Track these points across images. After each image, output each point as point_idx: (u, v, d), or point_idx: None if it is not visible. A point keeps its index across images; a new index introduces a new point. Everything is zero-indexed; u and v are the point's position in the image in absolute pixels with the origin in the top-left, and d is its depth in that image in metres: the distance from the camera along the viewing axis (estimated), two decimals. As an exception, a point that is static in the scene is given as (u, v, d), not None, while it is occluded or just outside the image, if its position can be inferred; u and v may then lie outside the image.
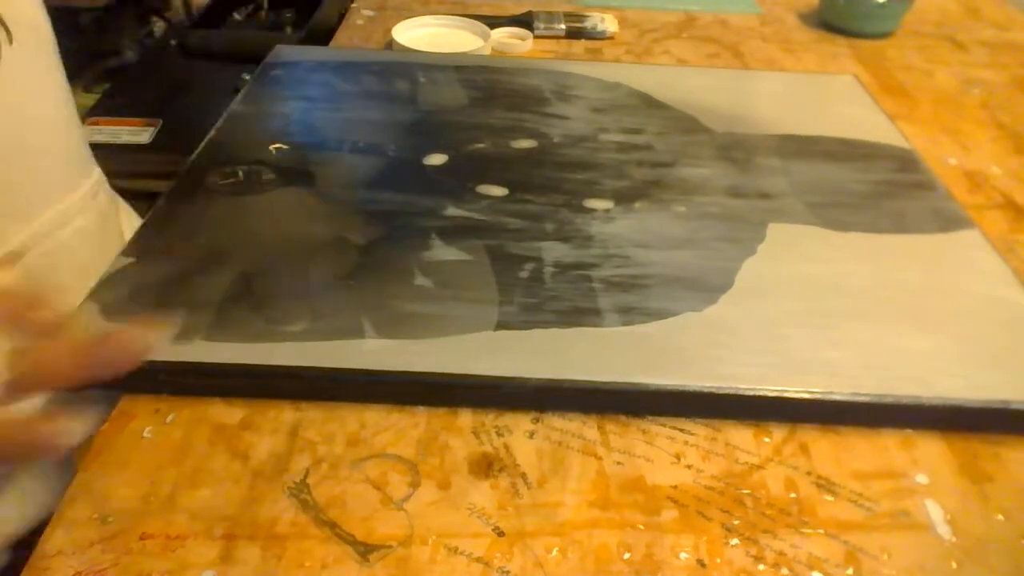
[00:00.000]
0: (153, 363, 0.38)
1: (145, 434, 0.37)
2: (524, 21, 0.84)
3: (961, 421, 0.40)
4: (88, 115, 0.93)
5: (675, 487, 0.36)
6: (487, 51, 0.79)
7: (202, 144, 0.56)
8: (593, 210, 0.52)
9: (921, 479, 0.37)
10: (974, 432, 0.40)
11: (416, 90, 0.66)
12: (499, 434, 0.38)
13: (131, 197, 0.64)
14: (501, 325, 0.42)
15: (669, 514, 0.35)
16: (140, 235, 0.48)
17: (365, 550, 0.33)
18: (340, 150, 0.57)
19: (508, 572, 0.32)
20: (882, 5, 0.87)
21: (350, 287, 0.44)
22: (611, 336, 0.42)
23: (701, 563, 0.33)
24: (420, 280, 0.45)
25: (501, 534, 0.34)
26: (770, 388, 0.39)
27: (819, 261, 0.48)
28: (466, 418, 0.39)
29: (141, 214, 0.50)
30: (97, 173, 0.55)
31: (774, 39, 0.87)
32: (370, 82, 0.67)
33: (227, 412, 0.39)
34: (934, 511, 0.36)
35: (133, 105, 0.96)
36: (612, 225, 0.50)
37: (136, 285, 0.43)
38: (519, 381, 0.39)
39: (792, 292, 0.45)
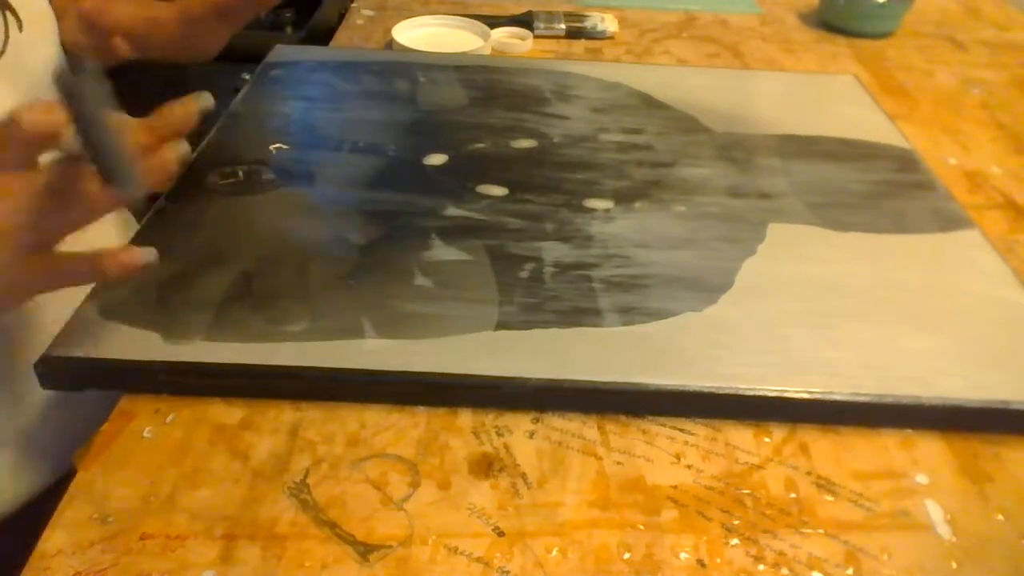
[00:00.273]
0: (153, 363, 0.38)
1: (145, 434, 0.37)
2: (524, 21, 0.84)
3: (961, 421, 0.40)
4: (88, 115, 0.93)
5: (675, 487, 0.36)
6: (487, 51, 0.79)
7: (202, 144, 0.56)
8: (593, 210, 0.52)
9: (921, 479, 0.37)
10: (974, 432, 0.40)
11: (416, 90, 0.66)
12: (499, 434, 0.38)
13: (131, 197, 0.64)
14: (501, 325, 0.42)
15: (669, 514, 0.35)
16: (140, 235, 0.48)
17: (365, 550, 0.33)
18: (340, 150, 0.57)
19: (508, 572, 0.32)
20: (882, 5, 0.87)
21: (350, 287, 0.44)
22: (611, 336, 0.42)
23: (701, 563, 0.33)
24: (420, 280, 0.45)
25: (501, 534, 0.34)
26: (770, 388, 0.39)
27: (819, 261, 0.48)
28: (466, 418, 0.39)
29: (141, 214, 0.50)
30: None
31: (774, 39, 0.87)
32: (370, 82, 0.67)
33: (227, 412, 0.39)
34: (934, 511, 0.36)
35: (133, 105, 0.96)
36: (612, 225, 0.50)
37: (136, 285, 0.43)
38: (519, 381, 0.39)
39: (792, 292, 0.45)
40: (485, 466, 0.37)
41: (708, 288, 0.45)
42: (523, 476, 0.36)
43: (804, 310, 0.44)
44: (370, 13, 0.88)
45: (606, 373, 0.39)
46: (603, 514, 0.35)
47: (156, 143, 0.40)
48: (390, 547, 0.33)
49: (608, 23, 0.84)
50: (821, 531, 0.35)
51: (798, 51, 0.84)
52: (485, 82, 0.67)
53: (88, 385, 0.39)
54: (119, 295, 0.42)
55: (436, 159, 0.57)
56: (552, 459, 0.37)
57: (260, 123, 0.60)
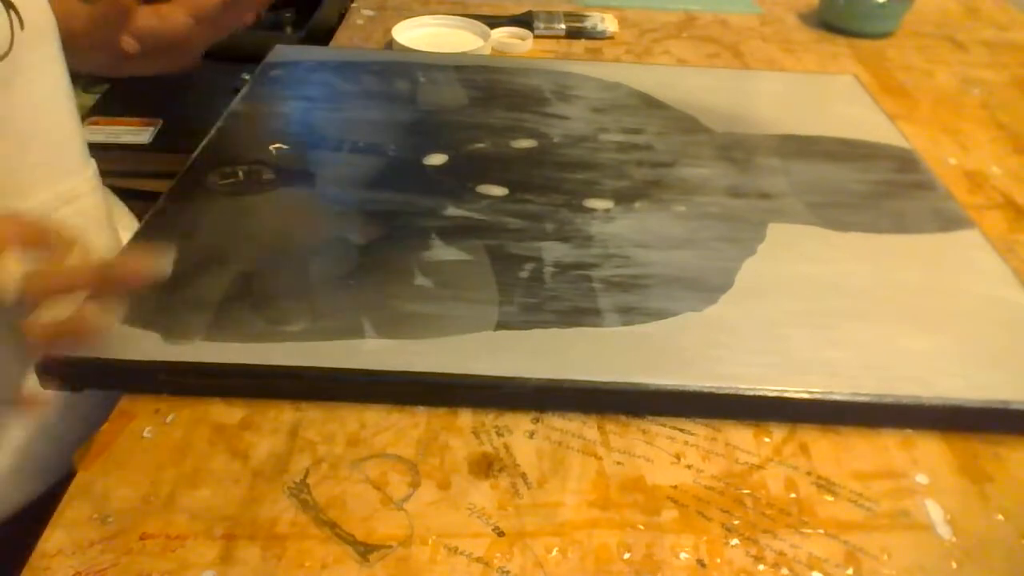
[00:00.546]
0: (153, 363, 0.38)
1: (145, 434, 0.37)
2: (524, 21, 0.84)
3: (961, 421, 0.40)
4: (88, 115, 0.93)
5: (675, 487, 0.36)
6: (487, 51, 0.79)
7: (202, 144, 0.56)
8: (593, 210, 0.52)
9: (921, 479, 0.37)
10: (974, 432, 0.40)
11: (416, 90, 0.66)
12: (499, 434, 0.38)
13: (131, 197, 0.64)
14: (501, 325, 0.42)
15: (669, 514, 0.35)
16: (140, 235, 0.48)
17: (365, 550, 0.33)
18: (340, 150, 0.57)
19: (508, 572, 0.32)
20: (882, 5, 0.87)
21: (350, 287, 0.44)
22: (611, 336, 0.42)
23: (701, 563, 0.33)
24: (420, 280, 0.45)
25: (501, 534, 0.34)
26: (770, 388, 0.39)
27: (819, 261, 0.48)
28: (466, 418, 0.39)
29: (141, 214, 0.50)
30: (92, 171, 0.55)
31: (774, 39, 0.87)
32: (370, 82, 0.67)
33: (227, 412, 0.39)
34: (934, 511, 0.36)
35: (133, 105, 0.96)
36: (612, 225, 0.50)
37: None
38: (519, 381, 0.39)
39: (792, 292, 0.45)
40: (485, 466, 0.37)
41: (708, 288, 0.45)
42: (523, 476, 0.36)
43: (804, 310, 0.44)
44: (370, 13, 0.88)
45: (606, 373, 0.39)
46: (603, 514, 0.35)
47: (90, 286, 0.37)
48: (390, 547, 0.33)
49: (608, 23, 0.84)
50: (821, 531, 0.35)
51: (798, 51, 0.84)
52: (485, 82, 0.67)
53: (88, 385, 0.40)
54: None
55: (436, 159, 0.57)
56: (552, 459, 0.37)
57: (260, 123, 0.60)
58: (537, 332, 0.41)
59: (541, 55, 0.80)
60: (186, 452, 0.37)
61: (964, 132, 0.69)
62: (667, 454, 0.38)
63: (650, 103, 0.66)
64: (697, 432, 0.39)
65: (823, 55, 0.83)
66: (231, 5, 0.53)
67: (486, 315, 0.42)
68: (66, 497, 0.35)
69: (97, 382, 0.40)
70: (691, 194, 0.54)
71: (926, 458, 0.39)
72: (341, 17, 0.88)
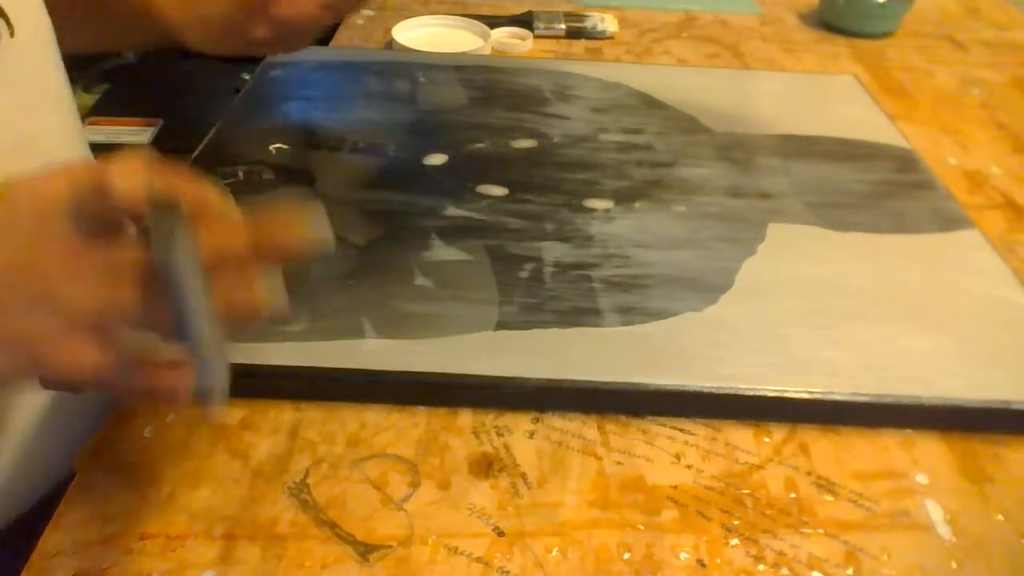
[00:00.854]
0: (153, 363, 0.38)
1: (145, 434, 0.37)
2: (524, 21, 0.84)
3: (961, 421, 0.40)
4: (88, 115, 0.93)
5: (675, 487, 0.36)
6: (487, 51, 0.79)
7: (202, 144, 0.56)
8: (593, 210, 0.52)
9: (921, 479, 0.37)
10: (974, 432, 0.40)
11: (416, 90, 0.66)
12: (499, 434, 0.38)
13: (131, 197, 0.64)
14: (501, 325, 0.42)
15: (669, 514, 0.35)
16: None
17: (365, 550, 0.33)
18: (340, 150, 0.57)
19: (508, 572, 0.32)
20: (882, 5, 0.87)
21: (350, 287, 0.44)
22: (611, 336, 0.42)
23: (701, 563, 0.33)
24: (420, 280, 0.45)
25: (501, 534, 0.34)
26: (770, 388, 0.39)
27: (819, 261, 0.48)
28: (466, 418, 0.39)
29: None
30: None
31: (774, 39, 0.87)
32: (370, 82, 0.67)
33: (227, 412, 0.39)
34: (934, 511, 0.36)
35: (133, 105, 0.96)
36: (612, 225, 0.50)
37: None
38: (519, 381, 0.39)
39: (792, 292, 0.45)
40: (485, 466, 0.37)
41: (708, 288, 0.45)
42: (523, 476, 0.36)
43: (804, 310, 0.44)
44: (370, 13, 0.88)
45: (606, 373, 0.39)
46: (603, 514, 0.35)
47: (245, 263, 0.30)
48: (390, 547, 0.33)
49: (608, 23, 0.84)
50: (821, 531, 0.35)
51: (798, 51, 0.84)
52: (485, 82, 0.67)
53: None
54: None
55: (436, 159, 0.57)
56: (552, 459, 0.37)
57: (260, 123, 0.60)
58: (537, 332, 0.41)
59: (541, 55, 0.80)
60: (186, 452, 0.37)
61: (964, 132, 0.69)
62: (667, 454, 0.38)
63: (650, 103, 0.66)
64: (697, 432, 0.39)
65: (823, 55, 0.83)
66: None
67: (486, 315, 0.42)
68: (66, 497, 0.35)
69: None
70: (691, 194, 0.54)
71: (926, 458, 0.39)
72: (341, 17, 0.88)
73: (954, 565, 0.34)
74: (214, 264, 0.28)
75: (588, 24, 0.84)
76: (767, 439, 0.39)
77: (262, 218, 0.31)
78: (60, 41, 0.57)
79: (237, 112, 0.61)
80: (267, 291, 0.30)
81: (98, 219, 0.29)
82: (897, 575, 0.33)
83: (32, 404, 0.48)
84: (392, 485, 0.36)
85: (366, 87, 0.66)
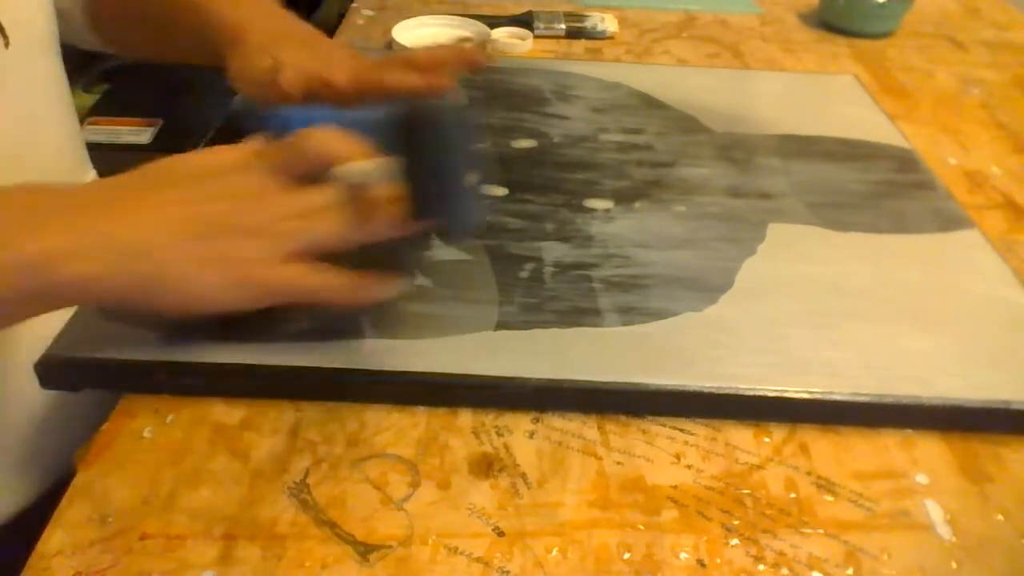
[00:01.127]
0: (153, 363, 0.38)
1: (145, 434, 0.37)
2: (524, 21, 0.84)
3: (961, 421, 0.40)
4: (88, 115, 0.93)
5: (675, 487, 0.36)
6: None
7: (202, 144, 0.56)
8: (593, 210, 0.52)
9: (921, 479, 0.37)
10: (974, 432, 0.40)
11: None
12: (499, 434, 0.38)
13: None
14: (501, 325, 0.42)
15: (669, 514, 0.35)
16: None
17: (365, 550, 0.33)
18: (340, 150, 0.57)
19: (508, 572, 0.32)
20: (882, 5, 0.87)
21: (350, 287, 0.44)
22: (611, 336, 0.42)
23: (701, 563, 0.33)
24: (420, 280, 0.45)
25: (501, 534, 0.34)
26: (770, 388, 0.39)
27: (819, 261, 0.48)
28: (466, 418, 0.39)
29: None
30: (92, 176, 0.55)
31: (774, 39, 0.87)
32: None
33: (227, 412, 0.39)
34: (934, 511, 0.36)
35: (133, 105, 0.96)
36: (612, 225, 0.50)
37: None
38: (519, 381, 0.39)
39: (792, 292, 0.45)
40: (485, 466, 0.37)
41: (708, 288, 0.45)
42: (523, 476, 0.36)
43: (804, 310, 0.44)
44: (370, 13, 0.88)
45: (606, 373, 0.39)
46: (603, 514, 0.35)
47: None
48: (390, 547, 0.33)
49: (608, 23, 0.84)
50: (821, 531, 0.35)
51: (798, 51, 0.84)
52: (485, 82, 0.67)
53: (88, 385, 0.40)
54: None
55: (436, 159, 0.57)
56: (552, 459, 0.37)
57: (260, 123, 0.60)
58: (537, 332, 0.41)
59: (541, 55, 0.80)
60: (186, 452, 0.37)
61: (964, 132, 0.69)
62: (667, 454, 0.38)
63: (650, 103, 0.66)
64: (697, 432, 0.39)
65: (823, 55, 0.83)
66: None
67: (486, 315, 0.42)
68: (66, 497, 0.35)
69: (97, 382, 0.40)
70: (691, 194, 0.54)
71: (926, 458, 0.39)
72: (341, 17, 0.88)
73: (954, 565, 0.34)
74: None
75: (588, 24, 0.84)
76: (767, 439, 0.39)
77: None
78: (126, 48, 0.59)
79: (237, 112, 0.61)
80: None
81: (295, 171, 0.36)
82: (897, 575, 0.33)
83: (31, 403, 0.48)
84: (392, 485, 0.36)
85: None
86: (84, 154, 0.55)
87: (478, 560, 0.33)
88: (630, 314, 0.43)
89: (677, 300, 0.44)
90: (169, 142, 0.90)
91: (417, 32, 0.81)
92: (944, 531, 0.35)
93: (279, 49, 0.51)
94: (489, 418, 0.39)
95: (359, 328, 0.41)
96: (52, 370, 0.39)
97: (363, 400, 0.39)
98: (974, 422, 0.40)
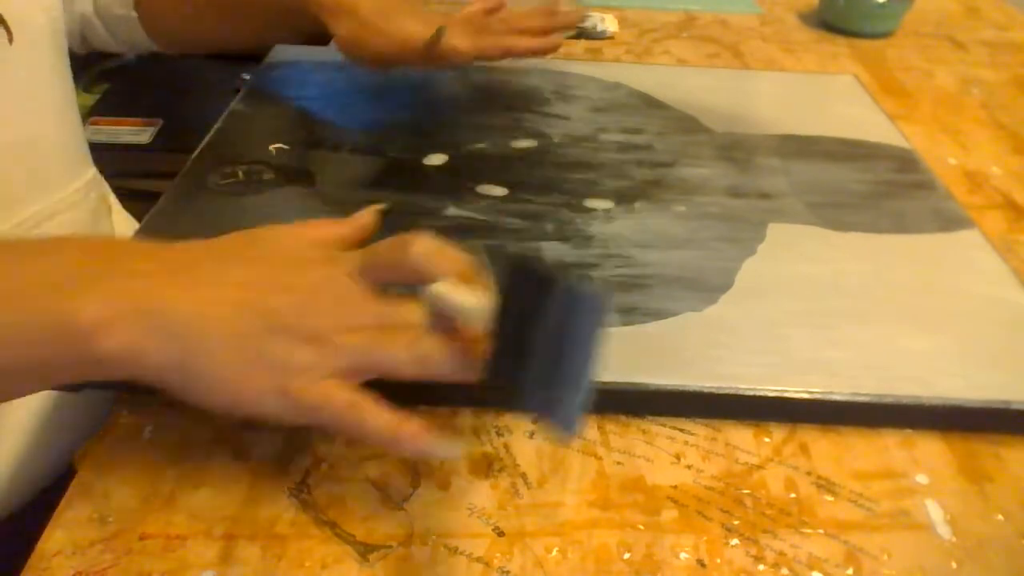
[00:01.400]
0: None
1: (145, 434, 0.37)
2: (524, 21, 0.84)
3: (961, 421, 0.40)
4: (88, 115, 0.93)
5: (675, 487, 0.36)
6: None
7: (202, 144, 0.56)
8: (593, 210, 0.52)
9: (921, 479, 0.37)
10: (974, 432, 0.40)
11: (416, 90, 0.66)
12: (499, 434, 0.38)
13: (131, 197, 0.64)
14: (501, 325, 0.42)
15: (669, 514, 0.35)
16: (140, 235, 0.48)
17: (365, 550, 0.33)
18: (340, 150, 0.57)
19: (508, 572, 0.32)
20: (882, 5, 0.87)
21: (350, 287, 0.44)
22: (611, 336, 0.41)
23: (701, 563, 0.33)
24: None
25: (501, 534, 0.34)
26: (770, 388, 0.39)
27: (819, 261, 0.48)
28: (466, 418, 0.39)
29: (141, 214, 0.50)
30: (92, 173, 0.55)
31: (774, 39, 0.87)
32: (370, 82, 0.67)
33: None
34: (934, 511, 0.36)
35: (133, 105, 0.96)
36: (612, 225, 0.50)
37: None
38: (519, 381, 0.39)
39: (792, 292, 0.45)
40: (485, 466, 0.37)
41: (708, 288, 0.45)
42: (523, 476, 0.36)
43: (804, 310, 0.44)
44: (370, 13, 0.88)
45: (606, 373, 0.39)
46: (603, 514, 0.35)
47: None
48: (390, 547, 0.33)
49: (608, 23, 0.84)
50: (821, 531, 0.35)
51: (798, 51, 0.84)
52: (485, 82, 0.67)
53: (88, 385, 0.39)
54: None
55: (436, 159, 0.57)
56: (552, 459, 0.37)
57: (260, 123, 0.60)
58: (537, 332, 0.41)
59: (541, 55, 0.80)
60: (186, 452, 0.37)
61: (964, 132, 0.69)
62: (667, 454, 0.38)
63: (650, 103, 0.66)
64: (697, 432, 0.39)
65: (823, 55, 0.83)
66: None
67: (486, 315, 0.42)
68: (66, 497, 0.35)
69: (97, 382, 0.40)
70: (691, 194, 0.54)
71: (926, 458, 0.39)
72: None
73: (954, 565, 0.34)
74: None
75: (588, 24, 0.84)
76: (767, 439, 0.39)
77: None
78: (176, 39, 0.62)
79: (237, 112, 0.61)
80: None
81: (385, 276, 0.33)
82: (897, 575, 0.33)
83: (32, 403, 0.48)
84: (392, 485, 0.36)
85: (366, 87, 0.66)
86: (87, 152, 0.56)
87: (478, 560, 0.33)
88: (630, 314, 0.43)
89: (677, 300, 0.44)
90: (169, 142, 0.90)
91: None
92: (944, 531, 0.35)
93: (394, 17, 0.56)
94: (489, 418, 0.39)
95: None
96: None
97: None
98: (974, 422, 0.40)
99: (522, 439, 0.38)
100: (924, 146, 0.63)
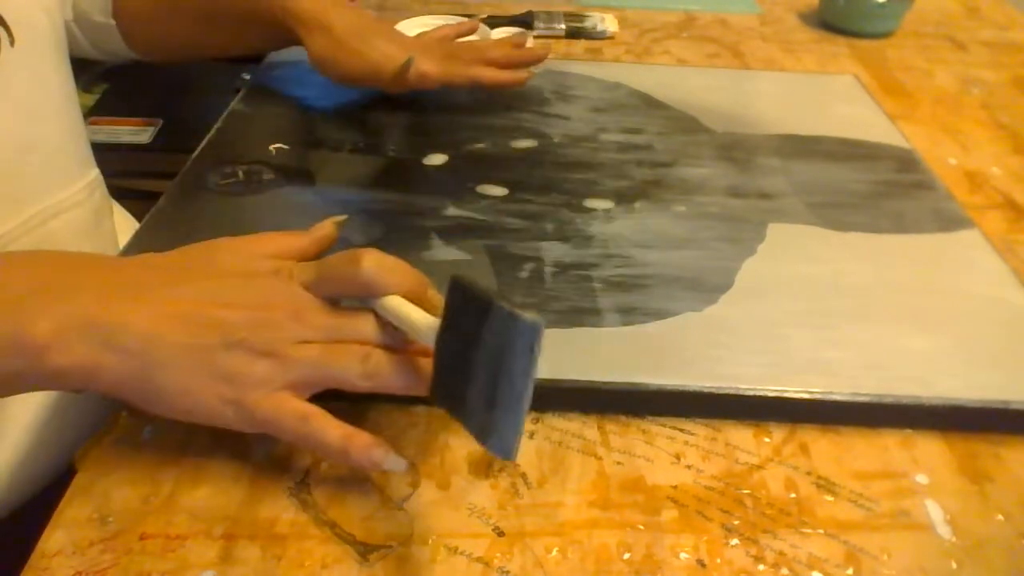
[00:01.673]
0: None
1: (145, 434, 0.37)
2: (524, 21, 0.84)
3: (961, 421, 0.40)
4: (88, 115, 0.93)
5: (675, 487, 0.36)
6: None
7: (202, 144, 0.56)
8: (593, 210, 0.52)
9: (921, 479, 0.37)
10: (974, 432, 0.40)
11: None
12: (499, 434, 0.38)
13: (131, 197, 0.64)
14: (501, 325, 0.42)
15: (669, 514, 0.35)
16: (140, 235, 0.48)
17: (365, 550, 0.33)
18: (340, 150, 0.57)
19: (508, 572, 0.32)
20: (882, 5, 0.87)
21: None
22: (611, 336, 0.42)
23: (701, 563, 0.33)
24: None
25: (501, 534, 0.34)
26: (770, 388, 0.39)
27: (819, 261, 0.48)
28: (466, 418, 0.39)
29: (141, 214, 0.50)
30: (95, 174, 0.55)
31: (774, 39, 0.87)
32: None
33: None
34: (934, 511, 0.36)
35: (133, 105, 0.96)
36: (612, 225, 0.50)
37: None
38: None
39: (792, 292, 0.45)
40: (485, 466, 0.37)
41: (708, 288, 0.45)
42: (523, 476, 0.36)
43: (804, 310, 0.44)
44: (370, 13, 0.88)
45: (606, 373, 0.39)
46: (603, 514, 0.35)
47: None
48: (390, 547, 0.33)
49: (608, 23, 0.84)
50: (821, 531, 0.35)
51: (798, 51, 0.84)
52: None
53: (88, 385, 0.39)
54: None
55: (436, 159, 0.57)
56: (552, 459, 0.37)
57: (260, 123, 0.60)
58: (537, 332, 0.41)
59: (541, 55, 0.80)
60: (186, 452, 0.37)
61: (964, 132, 0.69)
62: (667, 454, 0.38)
63: (650, 103, 0.66)
64: (697, 432, 0.39)
65: (823, 55, 0.83)
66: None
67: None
68: (66, 497, 0.35)
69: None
70: (691, 194, 0.54)
71: (926, 458, 0.39)
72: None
73: (954, 565, 0.34)
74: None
75: (588, 24, 0.84)
76: (767, 439, 0.39)
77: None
78: (153, 48, 0.62)
79: (237, 112, 0.61)
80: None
81: (337, 290, 0.34)
82: (897, 575, 0.33)
83: (32, 403, 0.48)
84: (392, 485, 0.36)
85: (366, 87, 0.66)
86: (89, 153, 0.56)
87: (478, 560, 0.33)
88: (630, 314, 0.43)
89: (677, 300, 0.44)
90: (169, 142, 0.90)
91: (417, 32, 0.81)
92: (944, 531, 0.35)
93: (369, 39, 0.57)
94: (489, 418, 0.39)
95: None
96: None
97: (363, 400, 0.39)
98: (974, 422, 0.40)
99: (522, 439, 0.38)
100: (924, 146, 0.63)
